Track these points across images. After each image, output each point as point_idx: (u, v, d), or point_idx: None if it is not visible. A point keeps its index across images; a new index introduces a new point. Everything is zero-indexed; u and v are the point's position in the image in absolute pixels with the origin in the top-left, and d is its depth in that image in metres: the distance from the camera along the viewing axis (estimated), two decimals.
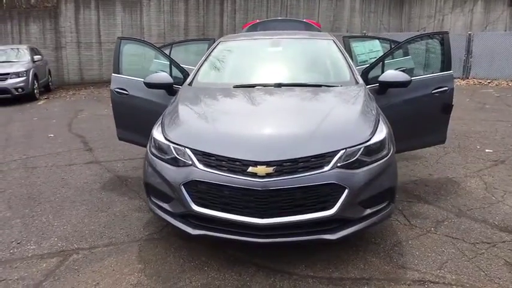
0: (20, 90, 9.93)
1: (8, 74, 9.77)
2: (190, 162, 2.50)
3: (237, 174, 2.37)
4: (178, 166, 2.55)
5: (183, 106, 3.08)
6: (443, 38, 4.00)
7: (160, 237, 3.04)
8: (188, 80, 3.64)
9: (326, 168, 2.36)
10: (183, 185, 2.50)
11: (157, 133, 2.83)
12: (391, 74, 3.52)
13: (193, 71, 3.80)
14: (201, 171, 2.45)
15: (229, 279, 2.46)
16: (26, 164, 5.04)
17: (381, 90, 3.64)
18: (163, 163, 2.64)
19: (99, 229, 3.22)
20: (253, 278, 2.47)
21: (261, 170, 2.34)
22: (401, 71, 4.45)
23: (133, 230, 3.18)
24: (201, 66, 3.80)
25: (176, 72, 4.13)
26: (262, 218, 2.36)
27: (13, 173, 4.70)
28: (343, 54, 3.75)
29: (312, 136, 2.52)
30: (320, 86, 3.30)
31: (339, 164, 2.39)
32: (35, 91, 10.59)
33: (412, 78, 3.80)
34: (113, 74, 4.35)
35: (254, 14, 16.53)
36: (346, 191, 2.37)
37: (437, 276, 2.44)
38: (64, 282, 2.51)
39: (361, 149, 2.48)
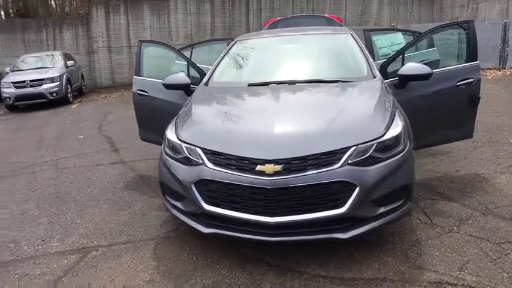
0: (54, 94, 10.40)
1: (43, 79, 10.26)
2: (201, 162, 2.52)
3: (245, 173, 2.36)
4: (190, 165, 2.57)
5: (196, 106, 3.10)
6: (468, 27, 3.80)
7: (175, 235, 3.08)
8: (204, 80, 3.66)
9: (336, 166, 2.31)
10: (193, 183, 2.52)
11: (170, 133, 2.87)
12: (410, 67, 3.40)
13: (210, 70, 3.82)
14: (211, 170, 2.46)
15: (240, 278, 2.46)
16: (56, 165, 5.27)
17: (401, 84, 3.51)
18: (176, 162, 2.67)
19: (118, 227, 3.31)
20: (263, 276, 2.46)
21: (269, 168, 2.32)
22: (425, 63, 4.31)
23: (151, 228, 3.24)
24: (217, 66, 3.81)
25: (194, 73, 4.18)
26: (272, 216, 2.34)
27: (44, 174, 4.92)
28: (361, 48, 3.65)
29: (323, 133, 2.46)
30: (335, 81, 3.23)
31: (350, 161, 2.33)
32: (69, 95, 11.05)
33: (435, 70, 3.66)
34: (134, 77, 4.47)
35: (280, 11, 16.45)
36: (358, 188, 2.30)
37: (457, 277, 2.33)
38: (82, 277, 2.61)
39: (374, 145, 2.40)
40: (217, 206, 2.48)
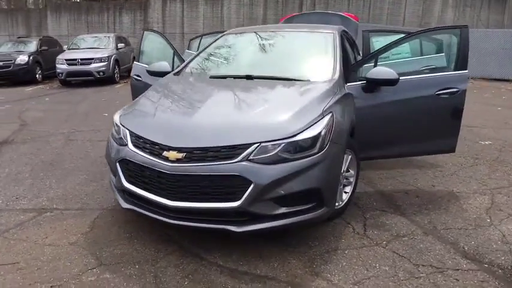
0: (101, 73, 11.29)
1: (92, 59, 11.19)
2: (126, 143, 2.70)
3: (155, 157, 2.50)
4: (119, 145, 2.76)
5: (148, 93, 3.29)
6: (461, 33, 3.54)
7: (119, 209, 3.29)
8: (176, 70, 3.82)
9: (234, 160, 2.35)
10: (118, 162, 2.71)
11: (116, 115, 3.09)
12: (378, 71, 3.26)
13: (186, 61, 3.98)
14: (131, 151, 2.63)
15: (146, 253, 2.62)
16: (68, 137, 5.80)
17: (369, 88, 3.37)
18: (113, 142, 2.88)
19: (80, 195, 3.62)
20: (166, 256, 2.59)
21: (172, 155, 2.42)
22: (429, 69, 4.09)
23: (105, 200, 3.50)
24: (195, 57, 3.96)
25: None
26: (172, 200, 2.46)
27: (53, 144, 5.45)
28: (334, 49, 3.54)
29: (232, 127, 2.52)
30: (287, 80, 3.21)
31: (250, 158, 2.35)
32: (115, 75, 11.92)
33: (408, 77, 3.49)
34: (134, 62, 4.79)
35: (335, 7, 16.08)
36: (252, 185, 2.32)
37: None
38: (24, 231, 2.94)
39: (282, 145, 2.40)
40: (133, 185, 2.65)
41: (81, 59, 11.19)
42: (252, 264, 2.49)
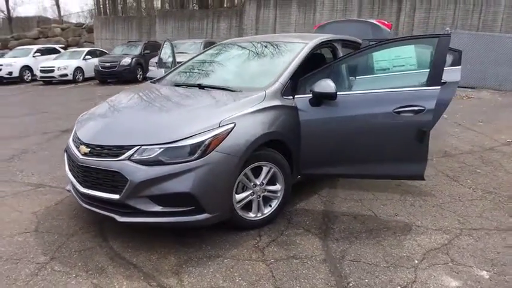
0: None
1: (179, 62, 12.52)
2: (71, 137, 3.24)
3: (75, 150, 2.97)
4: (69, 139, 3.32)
5: (114, 97, 3.78)
6: (438, 43, 3.15)
7: None
8: (156, 78, 4.23)
9: (118, 158, 2.65)
10: (65, 151, 3.28)
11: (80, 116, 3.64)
12: (320, 84, 3.14)
13: (172, 69, 4.40)
14: (69, 144, 3.17)
15: (70, 228, 3.12)
16: None
17: (314, 102, 3.26)
18: None
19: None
20: (80, 234, 3.03)
21: (82, 149, 2.85)
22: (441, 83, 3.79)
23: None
24: (180, 66, 4.35)
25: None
26: (82, 186, 2.89)
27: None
28: (292, 61, 3.51)
29: (130, 130, 2.83)
30: (224, 89, 3.34)
31: (134, 158, 2.63)
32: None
33: (369, 91, 3.28)
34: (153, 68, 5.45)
35: (438, 12, 14.72)
36: (128, 182, 2.60)
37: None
38: (12, 200, 3.72)
39: (162, 149, 2.61)
40: (70, 172, 3.16)
41: None
42: (135, 254, 2.76)
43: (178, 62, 5.16)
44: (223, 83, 3.51)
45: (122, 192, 2.63)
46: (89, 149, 2.81)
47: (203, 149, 2.62)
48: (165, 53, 5.45)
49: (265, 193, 3.12)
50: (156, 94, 3.63)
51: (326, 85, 3.10)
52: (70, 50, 17.82)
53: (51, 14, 43.04)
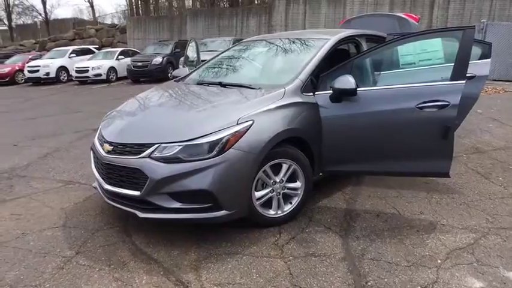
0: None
1: (203, 60, 12.62)
2: (97, 135, 3.36)
3: (100, 147, 3.08)
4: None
5: (136, 96, 3.87)
6: (463, 36, 3.03)
7: None
8: (180, 77, 4.30)
9: (139, 156, 2.72)
10: (91, 149, 3.40)
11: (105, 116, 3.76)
12: (340, 80, 3.10)
13: (196, 67, 4.46)
14: (94, 142, 3.28)
15: (96, 224, 3.23)
16: None
17: (334, 98, 3.22)
18: None
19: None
20: (104, 230, 3.14)
21: (106, 147, 2.95)
22: (470, 77, 3.67)
23: None
24: (204, 64, 4.40)
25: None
26: (106, 183, 2.99)
27: None
28: (314, 57, 3.48)
29: (152, 128, 2.90)
30: (245, 87, 3.35)
31: (154, 155, 2.69)
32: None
33: (390, 86, 3.19)
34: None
35: (473, 4, 14.09)
36: (149, 179, 2.66)
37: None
38: (44, 196, 3.90)
39: (181, 147, 2.66)
40: (95, 168, 3.28)
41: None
42: (156, 249, 2.84)
43: (202, 60, 5.26)
44: (243, 81, 3.53)
45: (142, 189, 2.70)
46: (112, 147, 2.91)
47: (221, 146, 2.65)
48: (190, 52, 5.54)
49: (285, 190, 3.11)
50: (178, 93, 3.70)
51: (346, 81, 3.05)
52: (104, 50, 18.43)
53: (86, 15, 44.71)
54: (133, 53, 16.67)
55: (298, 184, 3.15)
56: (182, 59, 13.11)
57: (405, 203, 3.55)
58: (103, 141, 3.05)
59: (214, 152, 2.64)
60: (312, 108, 3.19)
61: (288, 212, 3.15)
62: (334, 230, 3.09)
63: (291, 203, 3.18)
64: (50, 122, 7.98)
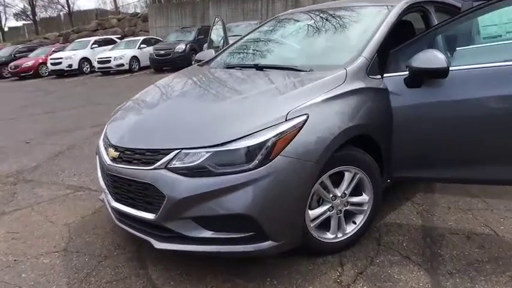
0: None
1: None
2: (102, 136, 2.65)
3: (105, 153, 2.37)
4: None
5: (154, 83, 3.14)
6: None
7: None
8: (207, 59, 3.55)
9: (151, 167, 1.99)
10: (96, 153, 2.70)
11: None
12: (420, 57, 2.26)
13: (222, 49, 3.70)
14: (99, 145, 2.57)
15: (104, 248, 2.57)
16: None
17: (412, 82, 2.38)
18: None
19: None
20: (115, 256, 2.47)
21: (111, 152, 2.24)
22: None
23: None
24: (232, 45, 3.63)
25: None
26: (113, 200, 2.30)
27: None
28: (379, 29, 2.64)
29: (173, 127, 2.17)
30: (290, 69, 2.56)
31: (172, 165, 1.96)
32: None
33: (489, 65, 2.31)
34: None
35: None
36: (166, 198, 1.93)
37: None
38: (48, 206, 3.30)
39: (209, 154, 1.91)
40: (101, 178, 2.58)
41: None
42: (179, 287, 2.13)
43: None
44: (287, 62, 2.74)
45: (158, 211, 1.98)
46: (118, 153, 2.19)
47: (265, 152, 1.88)
48: (215, 35, 4.76)
49: (348, 207, 2.32)
50: (203, 79, 2.96)
51: (432, 57, 2.21)
52: (125, 39, 17.94)
53: (109, 6, 44.60)
54: (156, 41, 16.07)
55: (364, 198, 2.36)
56: (206, 44, 12.39)
57: (499, 219, 2.70)
58: (108, 144, 2.34)
59: (256, 161, 1.87)
60: (380, 96, 2.38)
61: (351, 234, 2.37)
62: (415, 260, 2.28)
63: (354, 223, 2.39)
64: (68, 116, 7.49)
